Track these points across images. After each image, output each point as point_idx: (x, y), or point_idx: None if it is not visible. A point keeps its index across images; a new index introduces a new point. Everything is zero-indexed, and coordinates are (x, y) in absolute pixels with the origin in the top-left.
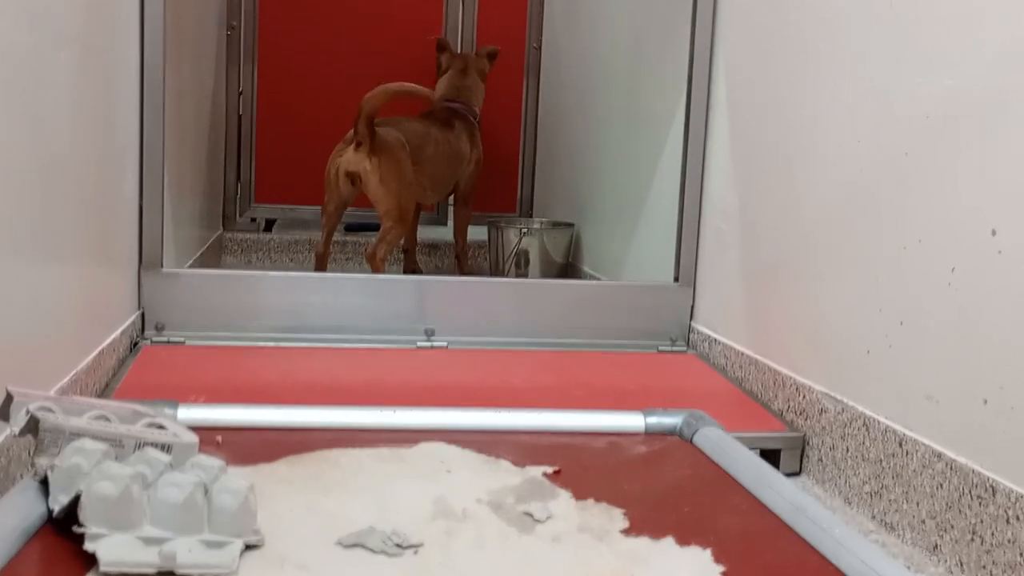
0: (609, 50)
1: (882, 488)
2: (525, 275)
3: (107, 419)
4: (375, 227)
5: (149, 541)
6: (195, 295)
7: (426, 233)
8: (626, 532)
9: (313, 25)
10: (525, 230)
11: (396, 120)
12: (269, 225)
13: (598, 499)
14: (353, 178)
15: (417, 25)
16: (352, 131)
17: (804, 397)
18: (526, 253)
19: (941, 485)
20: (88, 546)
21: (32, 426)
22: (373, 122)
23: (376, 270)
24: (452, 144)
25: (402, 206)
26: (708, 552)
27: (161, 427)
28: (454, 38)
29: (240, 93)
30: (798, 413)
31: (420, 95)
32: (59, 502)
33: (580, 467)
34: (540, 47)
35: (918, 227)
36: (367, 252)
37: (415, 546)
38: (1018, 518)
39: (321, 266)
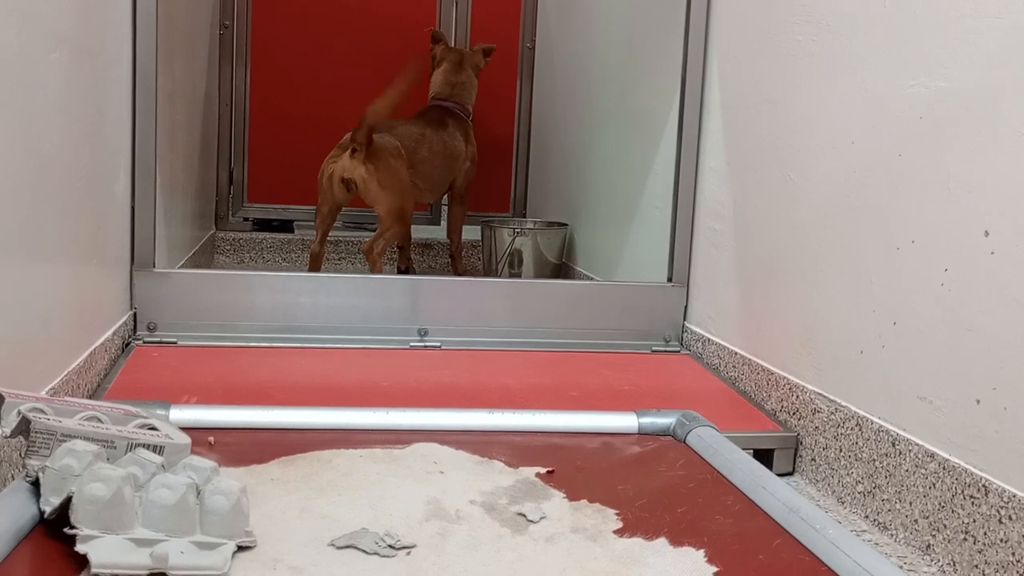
0: (603, 50)
1: (875, 488)
2: (519, 275)
3: (99, 420)
4: (366, 227)
5: (141, 543)
6: (187, 295)
7: (420, 232)
8: (619, 533)
9: (306, 25)
10: (518, 230)
11: (391, 123)
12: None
13: (591, 500)
14: (348, 184)
15: (411, 24)
16: (348, 136)
17: (797, 397)
18: (519, 253)
19: (934, 485)
20: (80, 548)
21: (23, 427)
22: (372, 131)
23: (374, 265)
24: (447, 144)
25: (403, 207)
26: (701, 553)
27: (153, 428)
28: (448, 37)
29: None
30: (791, 413)
31: (411, 82)
32: (50, 504)
33: (573, 468)
34: (534, 46)
35: (911, 228)
36: (365, 247)
37: (408, 547)
38: (1011, 518)
39: (316, 265)
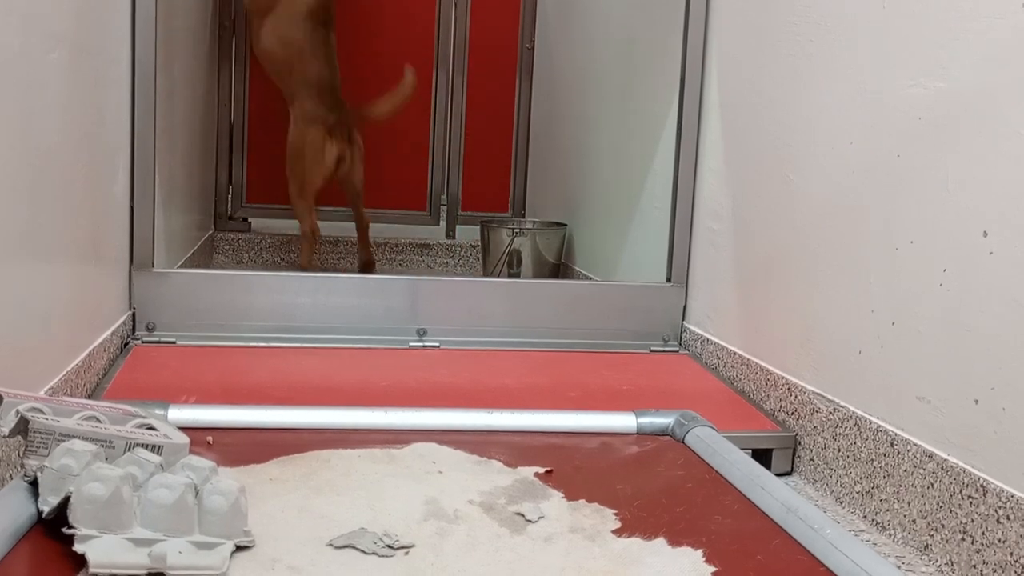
0: (602, 50)
1: (873, 488)
2: (517, 275)
3: (97, 420)
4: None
5: (139, 542)
6: (186, 295)
7: (418, 231)
8: (618, 533)
9: None
10: (517, 230)
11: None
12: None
13: (590, 500)
14: (340, 161)
15: (410, 25)
16: (329, 115)
17: (796, 397)
18: (518, 253)
19: (932, 485)
20: (78, 547)
21: (22, 427)
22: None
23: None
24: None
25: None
26: (700, 552)
27: (151, 428)
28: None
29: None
30: (790, 413)
31: (408, 96)
32: (49, 503)
33: (572, 468)
34: (533, 47)
35: (910, 228)
36: (365, 259)
37: (406, 547)
38: (1008, 518)
39: (315, 247)
